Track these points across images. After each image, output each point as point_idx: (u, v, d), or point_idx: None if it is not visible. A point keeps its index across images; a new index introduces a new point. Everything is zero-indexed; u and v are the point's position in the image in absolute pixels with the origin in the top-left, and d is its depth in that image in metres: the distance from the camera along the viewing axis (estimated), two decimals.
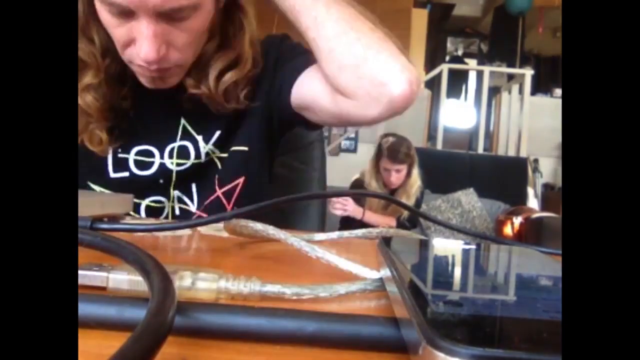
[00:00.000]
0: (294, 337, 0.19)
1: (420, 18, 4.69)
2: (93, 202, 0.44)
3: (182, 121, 0.69)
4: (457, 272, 0.25)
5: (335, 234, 0.43)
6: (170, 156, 0.68)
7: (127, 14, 0.55)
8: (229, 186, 0.71)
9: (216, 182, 0.71)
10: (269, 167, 0.78)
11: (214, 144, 0.70)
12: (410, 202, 2.31)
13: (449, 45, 6.13)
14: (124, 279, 0.22)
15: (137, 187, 0.65)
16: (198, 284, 0.22)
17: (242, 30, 0.68)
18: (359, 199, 2.26)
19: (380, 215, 2.31)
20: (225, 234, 0.40)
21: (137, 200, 0.66)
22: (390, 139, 2.40)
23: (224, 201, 0.71)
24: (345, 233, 0.44)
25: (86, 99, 0.59)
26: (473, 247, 0.29)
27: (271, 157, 0.78)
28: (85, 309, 0.19)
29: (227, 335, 0.19)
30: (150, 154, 0.68)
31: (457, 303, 0.18)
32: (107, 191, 0.65)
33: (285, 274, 0.32)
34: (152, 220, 0.54)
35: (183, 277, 0.22)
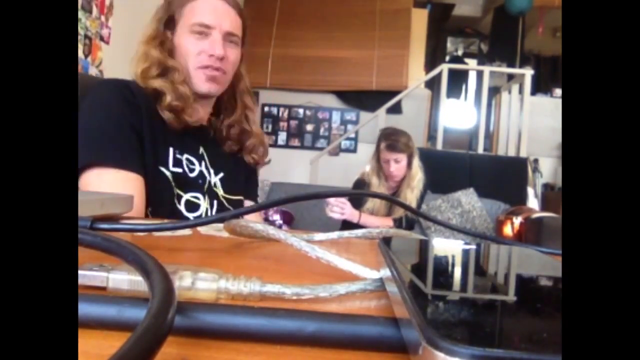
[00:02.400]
0: (294, 337, 0.19)
1: (420, 18, 4.70)
2: (93, 202, 0.44)
3: (201, 150, 0.93)
4: (457, 272, 0.25)
5: (335, 234, 0.43)
6: (202, 170, 0.92)
7: (205, 33, 0.88)
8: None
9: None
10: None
11: (220, 180, 0.95)
12: (414, 194, 2.30)
13: (449, 45, 6.13)
14: (124, 279, 0.22)
15: (185, 183, 0.87)
16: (198, 284, 0.22)
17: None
18: (358, 201, 2.26)
19: (377, 217, 2.30)
20: (225, 234, 0.40)
21: (181, 193, 0.86)
22: (390, 130, 2.40)
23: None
24: (345, 233, 0.44)
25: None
26: (473, 247, 0.29)
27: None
28: (85, 309, 0.19)
29: (227, 335, 0.19)
30: (191, 162, 0.92)
31: (457, 303, 0.18)
32: (170, 178, 0.84)
33: (285, 274, 0.32)
34: (152, 220, 0.54)
35: (183, 277, 0.22)
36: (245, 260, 0.35)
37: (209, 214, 0.90)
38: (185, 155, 0.88)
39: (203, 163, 0.92)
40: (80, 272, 0.22)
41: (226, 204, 0.95)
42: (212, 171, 0.94)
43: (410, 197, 2.29)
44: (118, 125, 0.78)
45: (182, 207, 0.85)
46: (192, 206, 0.87)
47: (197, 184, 0.89)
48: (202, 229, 0.45)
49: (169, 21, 0.91)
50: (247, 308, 0.19)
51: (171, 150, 0.86)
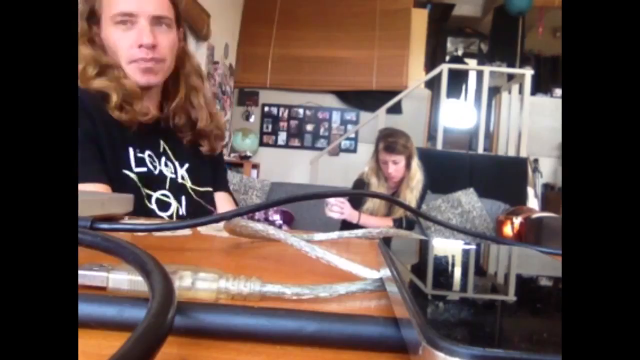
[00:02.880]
0: (294, 337, 0.19)
1: (420, 18, 4.70)
2: (93, 202, 0.44)
3: (162, 143, 0.89)
4: (457, 272, 0.25)
5: (335, 234, 0.43)
6: (166, 165, 0.89)
7: (130, 22, 0.81)
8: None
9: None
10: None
11: (186, 171, 0.91)
12: (414, 195, 2.30)
13: (449, 45, 6.13)
14: (124, 279, 0.22)
15: (151, 182, 0.83)
16: (198, 284, 0.22)
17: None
18: (357, 201, 2.25)
19: (376, 217, 2.30)
20: (225, 234, 0.40)
21: (150, 193, 0.83)
22: (388, 131, 2.40)
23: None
24: (345, 233, 0.44)
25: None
26: (473, 247, 0.29)
27: None
28: (85, 309, 0.19)
29: (227, 335, 0.19)
30: (154, 160, 0.87)
31: (457, 303, 0.18)
32: (136, 179, 0.81)
33: (285, 274, 0.32)
34: (152, 220, 0.54)
35: (183, 277, 0.22)
36: (245, 260, 0.35)
37: (179, 212, 0.87)
38: (147, 152, 0.84)
39: (163, 158, 0.88)
40: (80, 272, 0.22)
41: (195, 196, 0.91)
42: (177, 163, 0.90)
43: (410, 197, 2.29)
44: None
45: (153, 206, 0.83)
46: (163, 205, 0.84)
47: (162, 181, 0.86)
48: (202, 229, 0.45)
49: (91, 15, 0.83)
50: (247, 308, 0.19)
51: (131, 150, 0.82)
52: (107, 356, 0.12)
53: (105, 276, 0.22)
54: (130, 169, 0.81)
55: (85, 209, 0.41)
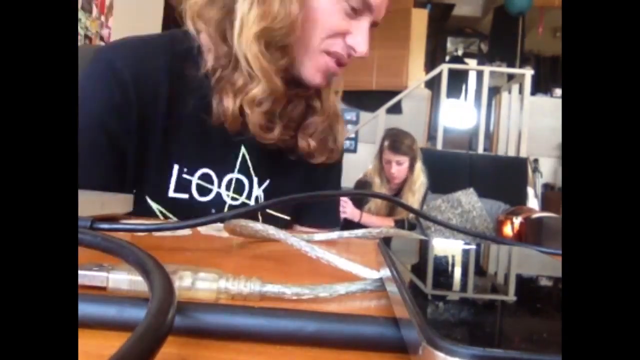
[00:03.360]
0: (294, 337, 0.19)
1: (420, 18, 4.70)
2: (93, 202, 0.44)
3: (242, 150, 0.67)
4: (457, 272, 0.25)
5: (335, 234, 0.43)
6: (228, 188, 0.67)
7: (356, 12, 0.63)
8: None
9: None
10: None
11: (264, 191, 0.70)
12: (416, 198, 2.30)
13: (449, 45, 6.14)
14: (124, 279, 0.22)
15: (191, 211, 0.62)
16: (198, 284, 0.22)
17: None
18: (359, 201, 2.26)
19: (378, 217, 2.30)
20: (225, 234, 0.40)
21: None
22: (395, 131, 2.40)
23: None
24: (345, 233, 0.44)
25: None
26: (473, 247, 0.29)
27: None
28: (85, 309, 0.19)
29: (227, 335, 0.19)
30: (210, 180, 0.66)
31: (457, 303, 0.18)
32: (165, 211, 0.63)
33: (285, 274, 0.32)
34: (151, 220, 0.54)
35: (183, 277, 0.22)
36: (245, 260, 0.35)
37: None
38: (199, 172, 0.64)
39: (229, 177, 0.66)
40: (80, 272, 0.22)
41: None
42: (255, 180, 0.68)
43: (412, 200, 2.29)
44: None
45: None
46: None
47: (209, 213, 0.63)
48: (202, 229, 0.45)
49: None
50: (247, 308, 0.19)
51: (175, 171, 0.63)
52: (107, 356, 0.12)
53: (105, 276, 0.22)
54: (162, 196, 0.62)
55: (85, 209, 0.41)
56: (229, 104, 0.62)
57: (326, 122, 0.72)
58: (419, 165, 2.33)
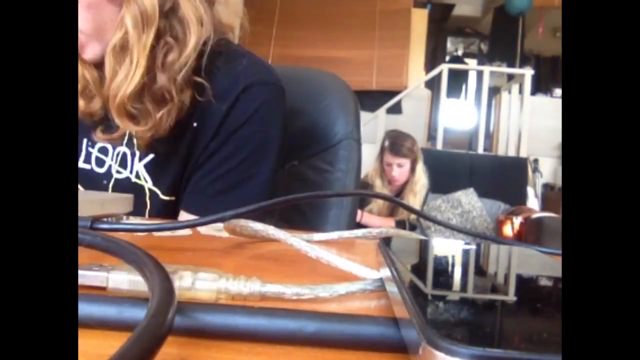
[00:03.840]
0: (294, 337, 0.19)
1: (420, 18, 4.69)
2: (93, 202, 0.44)
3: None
4: (457, 272, 0.25)
5: (335, 234, 0.43)
6: (116, 160, 0.67)
7: None
8: None
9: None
10: None
11: (145, 167, 0.67)
12: (417, 199, 2.30)
13: (449, 45, 6.13)
14: (124, 279, 0.22)
15: (89, 181, 0.66)
16: (198, 284, 0.22)
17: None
18: (360, 202, 2.25)
19: (379, 217, 2.30)
20: (225, 234, 0.40)
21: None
22: (395, 133, 2.39)
23: None
24: (345, 233, 0.44)
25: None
26: (473, 247, 0.29)
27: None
28: (85, 309, 0.19)
29: (227, 335, 0.19)
30: (105, 152, 0.68)
31: (457, 303, 0.18)
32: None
33: (285, 274, 0.32)
34: (152, 221, 0.54)
35: (183, 277, 0.22)
36: (245, 260, 0.35)
37: None
38: (98, 144, 0.67)
39: (118, 150, 0.67)
40: (80, 272, 0.22)
41: (149, 203, 0.67)
42: (137, 155, 0.67)
43: (413, 202, 2.29)
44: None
45: None
46: None
47: (102, 186, 0.68)
48: (202, 229, 0.45)
49: None
50: (247, 308, 0.19)
51: (84, 144, 0.67)
52: (107, 356, 0.12)
53: (105, 276, 0.22)
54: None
55: (85, 209, 0.41)
56: None
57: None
58: (420, 167, 2.32)
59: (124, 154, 0.67)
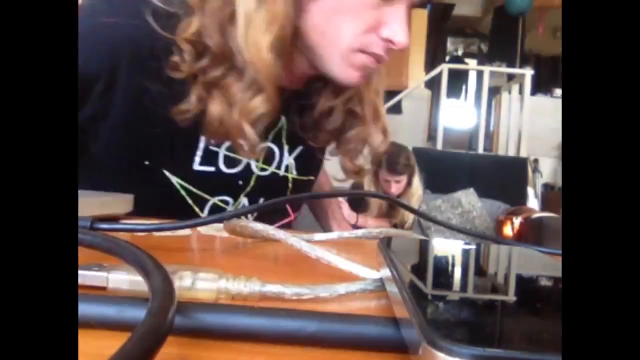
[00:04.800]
0: (294, 337, 0.19)
1: (420, 18, 4.69)
2: (93, 202, 0.44)
3: (283, 120, 0.63)
4: (457, 272, 0.25)
5: (335, 234, 0.43)
6: (257, 158, 0.62)
7: None
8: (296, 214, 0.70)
9: (288, 207, 0.67)
10: None
11: (295, 159, 0.66)
12: (410, 214, 2.28)
13: (449, 45, 6.13)
14: (124, 279, 0.22)
15: (217, 184, 0.61)
16: (198, 284, 0.22)
17: None
18: (357, 203, 2.25)
19: (375, 219, 2.29)
20: (225, 234, 0.40)
21: (206, 197, 0.61)
22: (391, 149, 2.38)
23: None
24: (345, 233, 0.44)
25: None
26: (473, 247, 0.29)
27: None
28: (85, 309, 0.19)
29: (227, 335, 0.19)
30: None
31: (457, 303, 0.18)
32: (184, 183, 0.59)
33: (285, 274, 0.32)
34: (151, 221, 0.54)
35: (183, 277, 0.22)
36: (245, 260, 0.35)
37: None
38: (227, 143, 0.60)
39: (261, 146, 0.60)
40: (80, 272, 0.22)
41: (291, 186, 0.66)
42: (285, 148, 0.65)
43: (407, 214, 2.28)
44: None
45: (205, 214, 0.62)
46: (216, 212, 0.61)
47: (235, 185, 0.63)
48: (202, 229, 0.45)
49: None
50: (247, 308, 0.19)
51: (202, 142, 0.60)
52: (107, 356, 0.12)
53: (105, 276, 0.22)
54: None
55: (85, 209, 0.41)
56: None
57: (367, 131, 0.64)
58: (416, 179, 2.30)
59: (269, 150, 0.63)
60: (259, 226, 0.35)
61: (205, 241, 0.41)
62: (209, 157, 0.60)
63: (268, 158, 0.64)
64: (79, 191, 0.55)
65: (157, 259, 0.20)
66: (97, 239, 0.24)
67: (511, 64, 5.01)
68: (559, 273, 0.23)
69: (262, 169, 0.64)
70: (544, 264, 0.26)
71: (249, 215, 0.63)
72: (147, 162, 0.57)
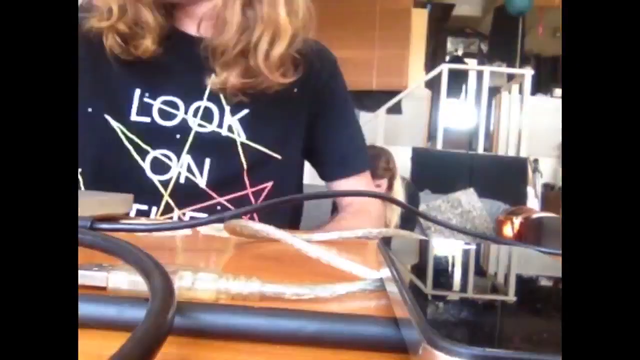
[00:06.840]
0: (294, 337, 0.19)
1: (420, 18, 4.69)
2: (93, 202, 0.44)
3: (213, 77, 0.66)
4: (457, 272, 0.25)
5: (335, 234, 0.43)
6: (195, 114, 0.67)
7: None
8: (257, 187, 0.70)
9: (246, 179, 0.69)
10: (300, 174, 0.83)
11: (240, 121, 0.68)
12: (395, 214, 2.25)
13: (449, 45, 6.13)
14: (124, 279, 0.22)
15: (154, 135, 0.66)
16: (198, 284, 0.22)
17: None
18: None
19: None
20: (225, 234, 0.40)
21: (147, 148, 0.66)
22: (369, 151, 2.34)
23: (252, 200, 0.70)
24: (345, 233, 0.44)
25: None
26: (473, 247, 0.29)
27: (302, 164, 0.82)
28: (85, 309, 0.19)
29: (227, 335, 0.19)
30: (175, 106, 0.67)
31: (457, 303, 0.18)
32: (125, 130, 0.65)
33: (285, 274, 0.32)
34: (152, 221, 0.54)
35: (183, 277, 0.22)
36: (245, 260, 0.35)
37: (179, 179, 0.66)
38: (162, 98, 0.67)
39: (197, 104, 0.67)
40: (80, 272, 0.22)
41: (245, 161, 0.68)
42: (227, 109, 0.68)
43: (390, 216, 2.24)
44: None
45: (148, 168, 0.66)
46: (160, 167, 0.66)
47: (173, 138, 0.67)
48: (202, 229, 0.45)
49: None
50: (247, 308, 0.19)
51: (137, 94, 0.67)
52: (107, 356, 0.12)
53: (105, 276, 0.22)
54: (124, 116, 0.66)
55: (85, 209, 0.41)
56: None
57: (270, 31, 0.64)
58: (398, 182, 2.27)
59: (207, 109, 0.68)
60: (259, 226, 0.35)
61: (205, 241, 0.41)
62: (145, 109, 0.66)
63: (207, 116, 0.68)
64: (79, 191, 0.56)
65: (157, 259, 0.20)
66: (97, 239, 0.24)
67: (511, 64, 5.01)
68: (559, 273, 0.23)
69: (201, 125, 0.68)
70: (544, 264, 0.26)
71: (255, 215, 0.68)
72: (90, 109, 0.65)
